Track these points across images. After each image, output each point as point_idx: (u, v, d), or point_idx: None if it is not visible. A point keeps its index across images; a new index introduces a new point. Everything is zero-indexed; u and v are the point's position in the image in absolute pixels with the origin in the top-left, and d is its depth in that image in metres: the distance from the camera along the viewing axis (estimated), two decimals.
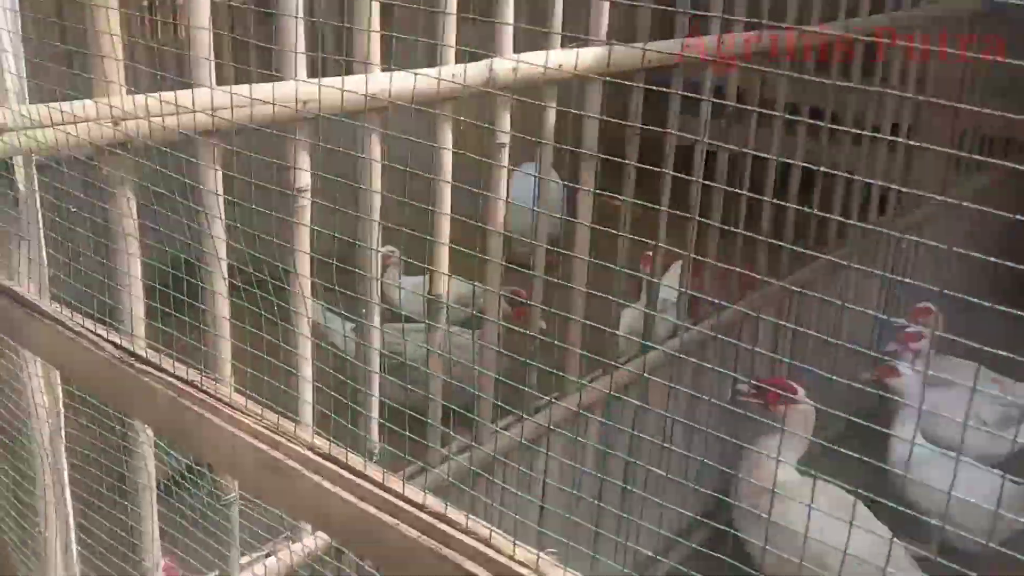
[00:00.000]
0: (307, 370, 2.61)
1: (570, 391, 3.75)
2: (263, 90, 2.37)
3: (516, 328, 4.16)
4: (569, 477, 3.61)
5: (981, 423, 4.68)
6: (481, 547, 1.34)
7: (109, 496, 2.45)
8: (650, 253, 4.86)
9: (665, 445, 2.02)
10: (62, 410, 2.24)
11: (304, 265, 2.61)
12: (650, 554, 3.98)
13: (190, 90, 2.28)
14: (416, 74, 2.73)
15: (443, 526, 1.38)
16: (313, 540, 2.90)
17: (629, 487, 3.58)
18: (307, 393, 2.62)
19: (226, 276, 2.41)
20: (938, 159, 5.79)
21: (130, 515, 2.48)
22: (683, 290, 4.39)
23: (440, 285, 3.17)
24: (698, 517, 4.15)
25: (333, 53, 3.43)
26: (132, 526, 2.50)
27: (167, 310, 2.01)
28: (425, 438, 3.16)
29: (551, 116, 3.34)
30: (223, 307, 2.44)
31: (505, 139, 3.16)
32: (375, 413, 2.96)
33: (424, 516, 1.40)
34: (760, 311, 4.71)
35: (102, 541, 2.40)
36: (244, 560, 2.82)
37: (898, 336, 5.00)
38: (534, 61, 3.07)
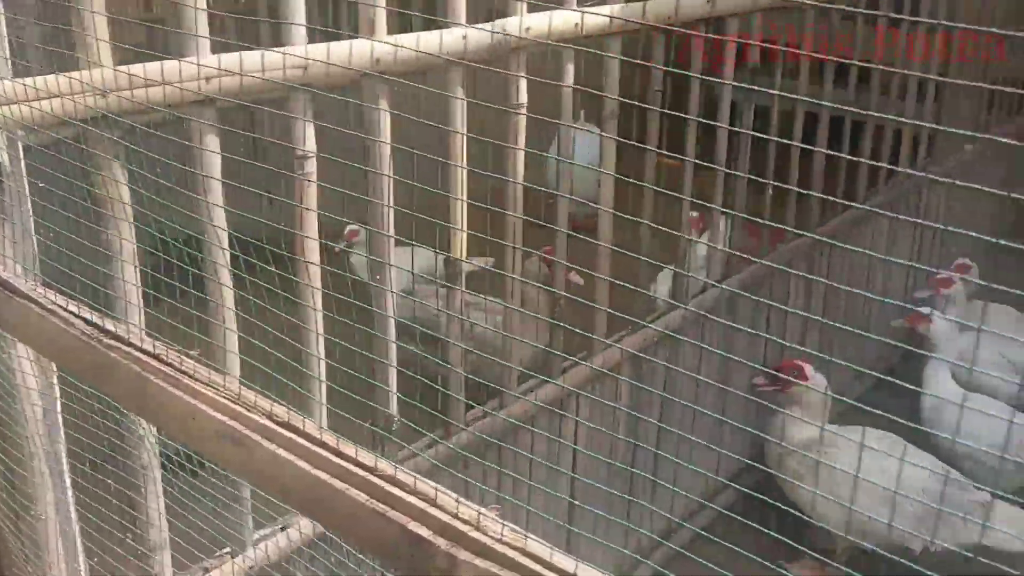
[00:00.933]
0: (317, 349, 2.62)
1: (596, 352, 3.72)
2: (264, 58, 2.39)
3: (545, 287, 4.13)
4: (596, 441, 3.62)
5: (1013, 366, 4.60)
6: (426, 507, 1.33)
7: (107, 475, 2.46)
8: (696, 214, 4.84)
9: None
10: (57, 390, 2.24)
11: (312, 236, 2.62)
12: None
13: (176, 61, 2.28)
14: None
15: (391, 488, 1.37)
16: None
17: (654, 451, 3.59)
18: (318, 376, 2.64)
19: (224, 259, 2.42)
20: (970, 104, 5.67)
21: (132, 491, 2.50)
22: (707, 243, 4.36)
23: (457, 250, 3.15)
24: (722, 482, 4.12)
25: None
26: (133, 502, 2.52)
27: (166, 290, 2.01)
28: (446, 407, 3.18)
29: (570, 74, 3.31)
30: (227, 291, 2.45)
31: (523, 99, 3.14)
32: (393, 382, 2.96)
33: (374, 479, 1.39)
34: (791, 264, 4.66)
35: (106, 520, 2.41)
36: (259, 534, 2.83)
37: (929, 282, 4.94)
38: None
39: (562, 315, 3.68)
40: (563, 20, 3.12)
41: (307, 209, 2.60)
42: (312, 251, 2.63)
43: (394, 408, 2.99)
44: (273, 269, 2.00)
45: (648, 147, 3.52)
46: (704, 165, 3.71)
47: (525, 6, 3.05)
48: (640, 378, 3.95)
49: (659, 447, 3.91)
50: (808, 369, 3.97)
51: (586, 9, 3.14)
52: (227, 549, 2.76)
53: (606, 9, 3.22)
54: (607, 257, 3.49)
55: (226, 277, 2.44)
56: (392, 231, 2.83)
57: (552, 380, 3.55)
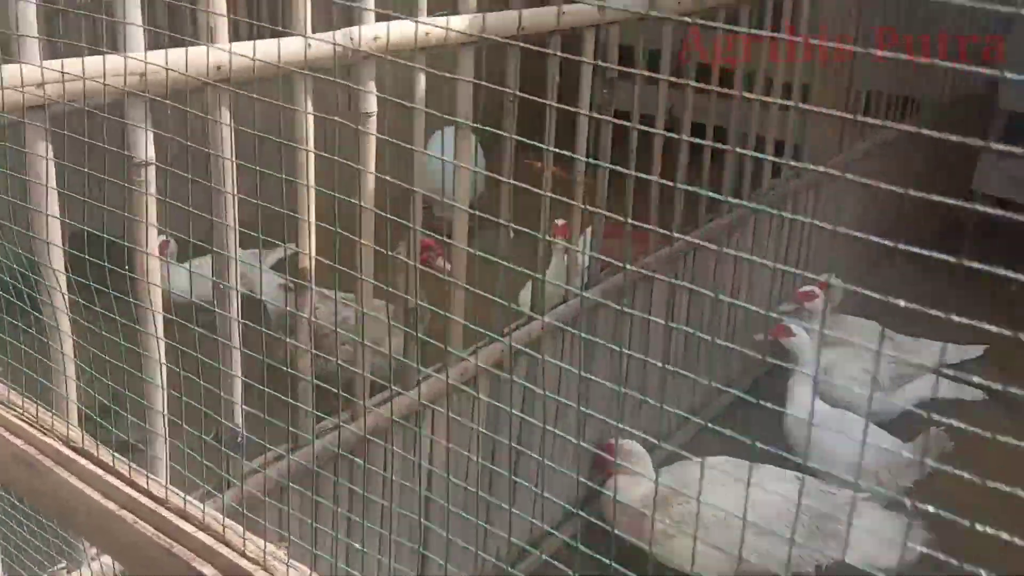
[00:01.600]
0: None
1: (452, 363, 3.68)
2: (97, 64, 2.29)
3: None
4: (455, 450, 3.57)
5: (875, 381, 4.65)
6: (214, 543, 1.30)
7: None
8: (560, 222, 4.83)
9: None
10: None
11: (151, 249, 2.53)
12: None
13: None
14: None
15: (179, 522, 1.33)
16: None
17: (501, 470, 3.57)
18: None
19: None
20: (834, 117, 5.74)
21: None
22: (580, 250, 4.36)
23: (304, 260, 3.08)
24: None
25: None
26: None
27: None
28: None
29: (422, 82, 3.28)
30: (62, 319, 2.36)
31: (372, 108, 3.09)
32: (237, 395, 2.89)
33: (163, 512, 1.35)
34: (655, 274, 4.66)
35: None
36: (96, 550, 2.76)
37: (794, 296, 4.99)
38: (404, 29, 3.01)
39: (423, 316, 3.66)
40: (410, 30, 3.07)
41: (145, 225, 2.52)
42: (151, 265, 2.54)
43: (240, 420, 2.92)
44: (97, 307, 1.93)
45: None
46: (565, 155, 3.71)
47: (373, 15, 3.01)
48: (499, 388, 3.93)
49: (519, 459, 3.88)
50: (619, 444, 4.03)
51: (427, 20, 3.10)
52: (62, 564, 2.68)
53: (456, 20, 3.21)
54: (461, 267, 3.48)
55: (59, 302, 2.34)
56: (236, 239, 2.77)
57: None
